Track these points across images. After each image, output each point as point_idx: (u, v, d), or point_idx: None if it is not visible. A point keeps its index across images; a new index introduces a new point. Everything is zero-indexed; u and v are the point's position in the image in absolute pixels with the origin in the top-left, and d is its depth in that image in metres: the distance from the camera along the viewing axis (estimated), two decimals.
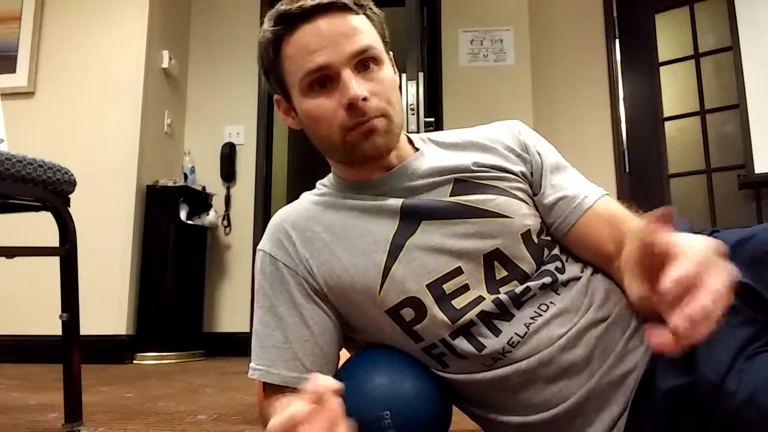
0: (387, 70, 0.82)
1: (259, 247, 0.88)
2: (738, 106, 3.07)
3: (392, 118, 0.80)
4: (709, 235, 0.83)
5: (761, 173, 2.92)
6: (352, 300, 0.83)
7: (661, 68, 3.40)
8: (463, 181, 0.84)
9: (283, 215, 0.89)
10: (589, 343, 0.77)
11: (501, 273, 0.81)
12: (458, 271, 0.80)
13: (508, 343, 0.78)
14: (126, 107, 3.01)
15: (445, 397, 0.86)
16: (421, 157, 0.88)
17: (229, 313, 3.30)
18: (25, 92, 3.04)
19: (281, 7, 0.81)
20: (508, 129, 0.91)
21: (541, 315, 0.78)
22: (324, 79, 0.79)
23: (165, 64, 3.22)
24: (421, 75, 2.39)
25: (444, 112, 3.31)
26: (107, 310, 2.80)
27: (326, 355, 0.83)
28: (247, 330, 3.24)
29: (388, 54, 0.86)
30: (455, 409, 0.89)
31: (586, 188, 0.86)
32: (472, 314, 0.79)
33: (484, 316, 0.79)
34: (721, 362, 0.71)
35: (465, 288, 0.80)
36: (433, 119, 2.49)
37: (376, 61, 0.80)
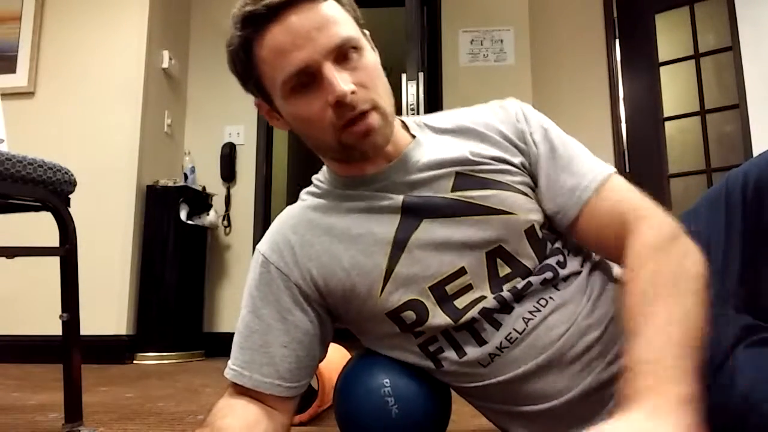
0: (369, 55, 0.77)
1: (257, 246, 0.86)
2: (738, 106, 3.07)
3: (384, 108, 0.76)
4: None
5: None
6: (351, 301, 0.82)
7: (661, 68, 3.40)
8: (465, 175, 0.81)
9: (284, 217, 0.87)
10: (588, 343, 0.77)
11: (504, 270, 0.79)
12: (462, 272, 0.79)
13: (506, 338, 0.78)
14: (126, 107, 3.00)
15: (448, 393, 0.89)
16: (418, 147, 0.84)
17: (229, 313, 3.30)
18: (25, 92, 3.04)
19: (246, 7, 0.74)
20: (504, 112, 0.87)
21: (539, 310, 0.78)
22: (306, 79, 0.73)
23: (165, 64, 3.22)
24: (421, 75, 2.39)
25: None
26: (107, 310, 2.80)
27: (303, 361, 0.81)
28: None
29: (365, 35, 0.80)
30: (455, 409, 0.89)
31: (586, 175, 0.80)
32: (473, 312, 0.78)
33: (486, 312, 0.78)
34: (715, 356, 0.71)
35: (468, 288, 0.79)
36: None
37: (357, 49, 0.76)
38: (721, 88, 3.25)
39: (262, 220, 3.39)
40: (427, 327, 0.80)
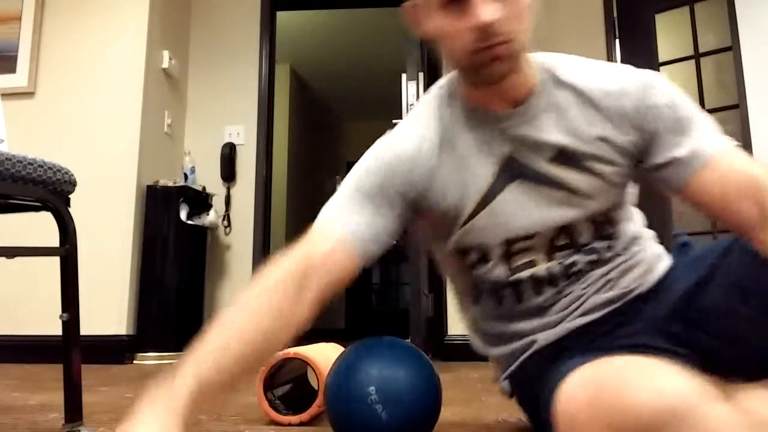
0: None
1: (401, 124, 0.94)
2: (738, 106, 3.07)
3: (519, 44, 0.81)
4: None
5: None
6: (437, 222, 0.93)
7: (661, 68, 3.40)
8: (566, 153, 0.87)
9: (427, 122, 0.92)
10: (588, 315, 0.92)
11: (562, 241, 0.90)
12: (530, 236, 0.89)
13: (539, 303, 0.92)
14: (126, 107, 3.00)
15: (434, 384, 0.95)
16: (537, 102, 0.88)
17: None
18: (25, 92, 3.04)
19: None
20: (634, 88, 0.87)
21: (573, 284, 0.91)
22: None
23: (165, 64, 3.22)
24: (421, 75, 2.39)
25: None
26: (107, 310, 2.80)
27: (381, 238, 0.88)
28: None
29: None
30: (445, 406, 0.90)
31: (711, 140, 0.83)
32: (524, 275, 0.91)
33: (534, 279, 0.91)
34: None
35: (528, 249, 0.90)
36: None
37: None
38: (721, 88, 3.25)
39: (262, 220, 3.39)
40: (481, 274, 0.94)
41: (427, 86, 2.84)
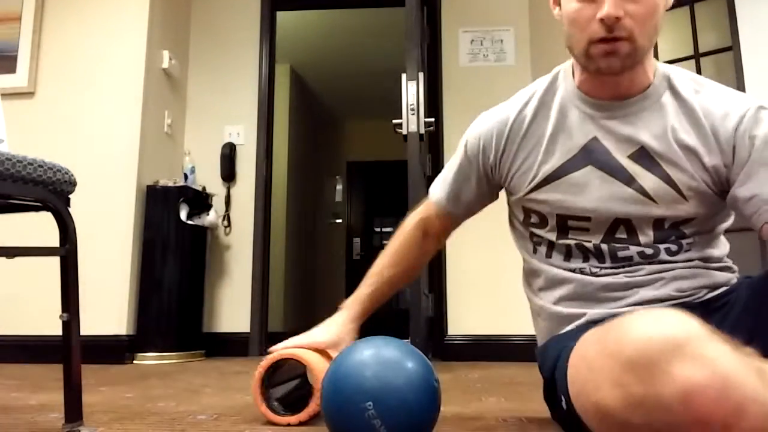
0: None
1: (485, 114, 1.10)
2: None
3: (638, 44, 0.86)
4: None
5: None
6: (509, 186, 1.06)
7: None
8: (647, 152, 0.91)
9: (519, 104, 1.05)
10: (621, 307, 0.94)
11: (621, 234, 0.94)
12: (587, 219, 0.95)
13: (580, 269, 0.98)
14: (126, 107, 3.00)
15: (433, 388, 0.92)
16: (642, 101, 0.93)
17: (229, 313, 3.30)
18: (25, 92, 3.04)
19: None
20: (738, 114, 0.88)
21: (616, 268, 0.94)
22: None
23: (165, 64, 3.22)
24: (421, 75, 2.38)
25: (444, 112, 3.31)
26: (107, 310, 2.80)
27: (477, 200, 1.13)
28: (247, 330, 3.24)
29: None
30: (445, 406, 0.90)
31: None
32: (572, 242, 0.98)
33: (582, 248, 0.97)
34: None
35: (584, 230, 0.96)
36: (433, 119, 2.49)
37: None
38: None
39: (263, 220, 3.39)
40: (540, 232, 1.02)
41: (427, 86, 2.84)
